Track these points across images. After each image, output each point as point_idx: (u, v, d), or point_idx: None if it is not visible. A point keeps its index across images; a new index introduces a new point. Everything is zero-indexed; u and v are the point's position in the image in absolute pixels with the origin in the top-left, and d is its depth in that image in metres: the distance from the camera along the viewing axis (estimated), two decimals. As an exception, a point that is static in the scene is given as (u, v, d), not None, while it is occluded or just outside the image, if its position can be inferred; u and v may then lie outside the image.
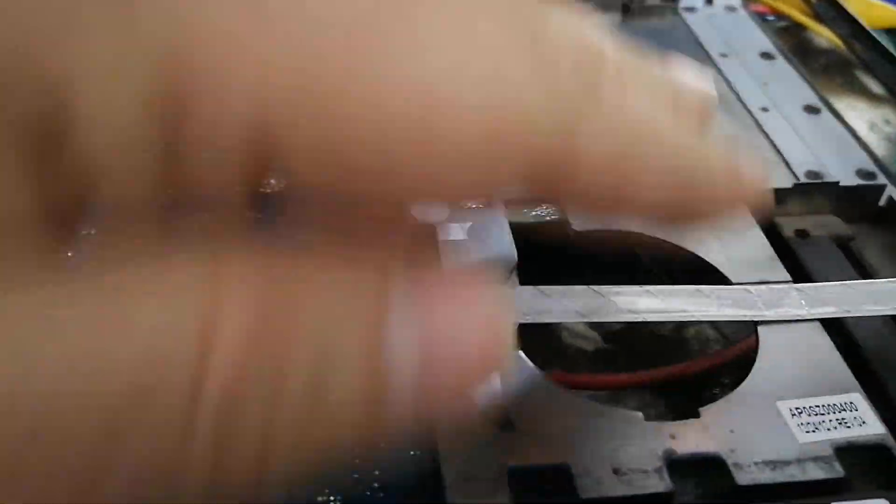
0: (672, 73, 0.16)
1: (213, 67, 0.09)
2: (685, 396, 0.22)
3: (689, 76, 0.17)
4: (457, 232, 0.25)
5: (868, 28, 0.37)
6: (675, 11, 0.40)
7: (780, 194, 0.27)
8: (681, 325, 0.25)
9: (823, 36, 0.41)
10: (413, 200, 0.11)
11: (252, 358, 0.09)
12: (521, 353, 0.21)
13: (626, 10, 0.39)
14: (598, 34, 0.13)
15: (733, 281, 0.23)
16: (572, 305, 0.21)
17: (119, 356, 0.09)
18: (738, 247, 0.24)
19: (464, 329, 0.11)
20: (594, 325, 0.26)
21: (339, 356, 0.10)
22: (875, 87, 0.38)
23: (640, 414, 0.19)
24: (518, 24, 0.11)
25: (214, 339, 0.09)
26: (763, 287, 0.22)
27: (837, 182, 0.27)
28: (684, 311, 0.21)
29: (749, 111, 0.32)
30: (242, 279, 0.10)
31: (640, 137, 0.12)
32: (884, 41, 0.39)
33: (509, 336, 0.11)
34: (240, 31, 0.09)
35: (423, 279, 0.11)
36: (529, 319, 0.21)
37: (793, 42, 0.42)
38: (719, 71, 0.35)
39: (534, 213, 0.26)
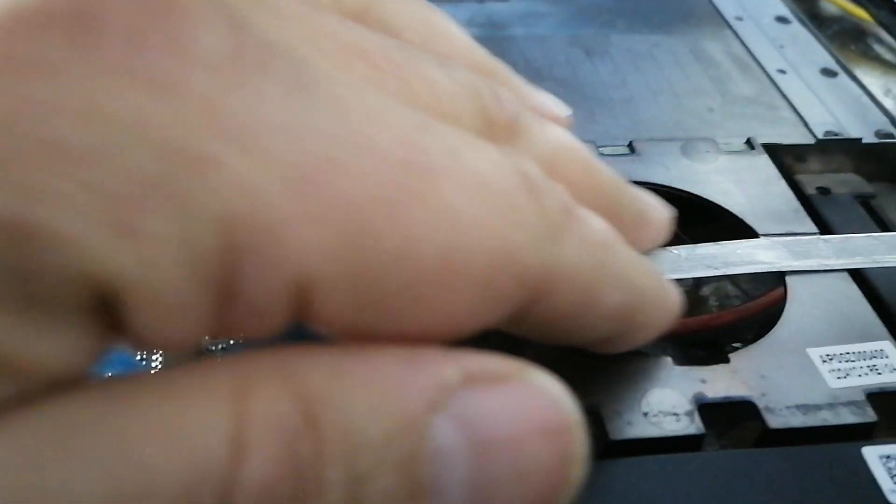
0: (636, 194, 0.18)
1: (262, 238, 0.09)
2: (716, 349, 0.22)
3: (651, 199, 0.19)
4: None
5: (884, -7, 0.36)
6: (689, -25, 0.39)
7: (802, 151, 0.27)
8: (699, 282, 0.25)
9: (836, 3, 0.41)
10: (426, 340, 0.11)
11: (281, 481, 0.09)
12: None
13: (640, -27, 0.39)
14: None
15: (760, 233, 0.23)
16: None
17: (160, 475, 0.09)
18: (762, 199, 0.24)
19: (525, 435, 0.10)
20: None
21: (376, 468, 0.09)
22: (888, 55, 0.38)
23: (669, 359, 0.19)
24: (511, 165, 0.12)
25: (243, 458, 0.09)
26: (790, 238, 0.22)
27: (860, 139, 0.27)
28: (712, 260, 0.21)
29: (766, 73, 0.32)
30: (272, 394, 0.10)
31: (604, 255, 0.13)
32: (897, 9, 0.39)
33: (581, 444, 0.11)
34: (282, 203, 0.09)
35: (474, 374, 0.10)
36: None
37: (805, 10, 0.41)
38: (735, 34, 0.35)
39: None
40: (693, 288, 0.25)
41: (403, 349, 0.10)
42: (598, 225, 0.14)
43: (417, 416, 0.10)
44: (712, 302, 0.25)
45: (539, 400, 0.11)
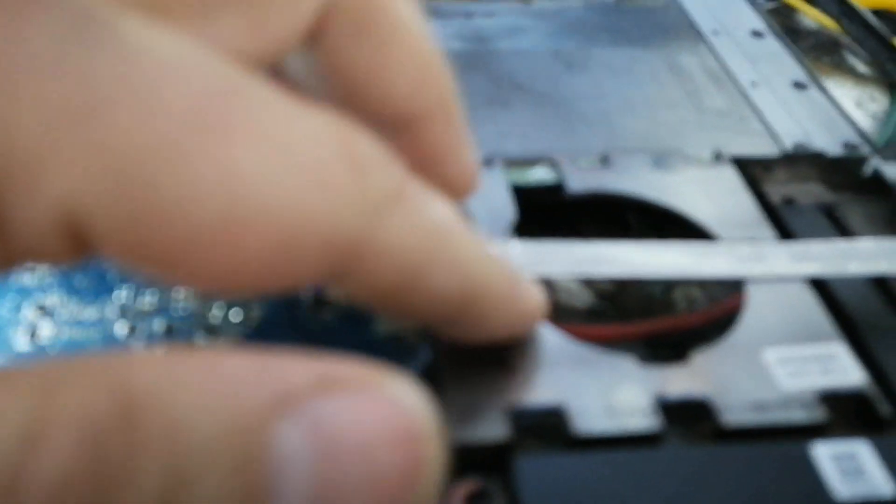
0: (508, 277, 0.17)
1: (18, 171, 0.10)
2: (675, 351, 0.23)
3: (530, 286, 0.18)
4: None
5: (857, 5, 0.38)
6: (669, -9, 0.40)
7: (768, 162, 0.28)
8: (669, 286, 0.26)
9: (812, 17, 0.42)
10: (216, 289, 0.12)
11: (80, 475, 0.09)
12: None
13: (621, -11, 0.40)
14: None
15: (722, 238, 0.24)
16: (568, 259, 0.22)
17: None
18: (726, 208, 0.25)
19: (373, 443, 0.10)
20: (586, 284, 0.26)
21: (205, 469, 0.09)
22: (861, 67, 0.39)
23: (632, 357, 0.20)
24: (333, 135, 0.12)
25: (36, 451, 0.09)
26: (750, 245, 0.23)
27: (824, 152, 0.28)
28: (676, 265, 0.22)
29: (739, 86, 0.33)
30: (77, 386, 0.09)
31: (436, 242, 0.14)
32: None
33: (434, 454, 0.10)
34: (41, 140, 0.10)
35: (327, 380, 0.10)
36: (526, 273, 0.22)
37: (782, 23, 0.43)
38: (711, 48, 0.36)
39: (531, 174, 0.26)
40: (663, 291, 0.26)
41: (255, 354, 0.10)
42: (436, 212, 0.14)
43: (258, 419, 0.10)
44: (681, 305, 0.26)
45: (391, 408, 0.10)
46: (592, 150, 0.28)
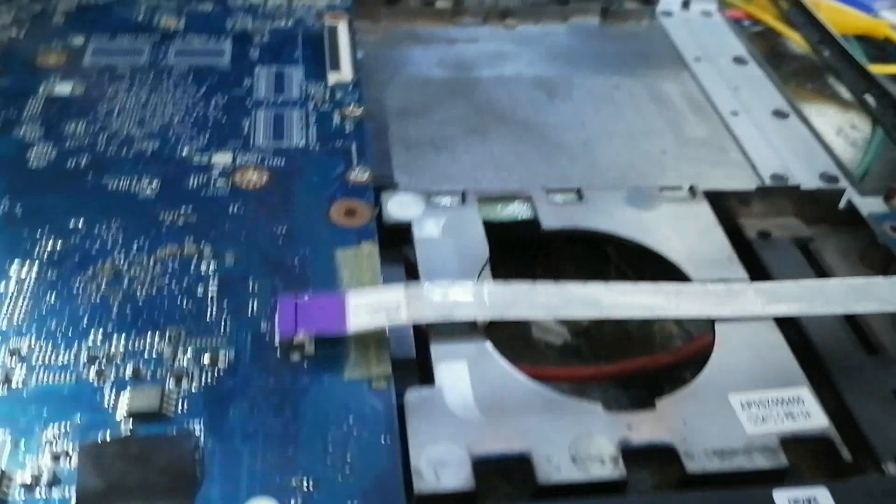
0: None
1: None
2: (646, 390, 0.23)
3: None
4: (431, 229, 0.26)
5: (836, 35, 0.38)
6: (653, 15, 0.40)
7: (744, 196, 0.28)
8: (644, 322, 0.26)
9: (796, 41, 0.42)
10: None
11: None
12: (490, 346, 0.22)
13: (605, 14, 0.40)
14: None
15: (693, 278, 0.24)
16: (539, 301, 0.22)
17: None
18: (699, 246, 0.25)
19: None
20: (563, 321, 0.27)
21: None
22: (845, 92, 0.39)
23: (599, 405, 0.20)
24: None
25: None
26: (721, 285, 0.23)
27: (798, 186, 0.28)
28: (645, 307, 0.22)
29: (719, 115, 0.33)
30: None
31: None
32: (856, 47, 0.40)
33: None
34: None
35: None
36: (497, 315, 0.22)
37: (767, 47, 0.43)
38: (693, 75, 0.36)
39: (505, 211, 0.27)
40: (639, 327, 0.26)
41: None
42: None
43: None
44: (657, 341, 0.26)
45: None
46: (571, 181, 0.28)
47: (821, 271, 0.26)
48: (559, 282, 0.22)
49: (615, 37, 0.39)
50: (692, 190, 0.27)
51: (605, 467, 0.19)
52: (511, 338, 0.25)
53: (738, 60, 0.37)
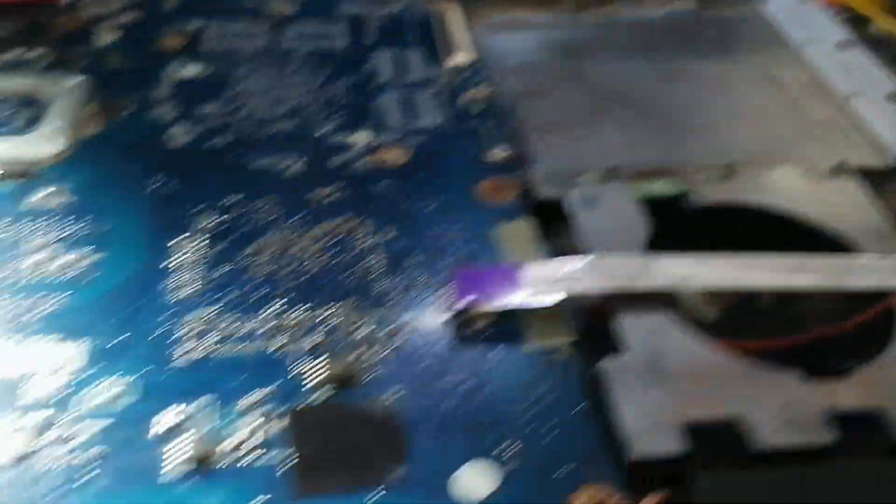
0: None
1: None
2: (833, 365, 0.22)
3: None
4: (585, 205, 0.25)
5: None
6: (748, 1, 0.40)
7: (889, 174, 0.28)
8: (790, 297, 0.26)
9: (882, 29, 0.42)
10: None
11: None
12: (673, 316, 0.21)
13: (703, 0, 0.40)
14: None
15: (860, 251, 0.24)
16: (716, 272, 0.22)
17: None
18: (854, 219, 0.25)
19: None
20: (710, 299, 0.26)
21: None
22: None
23: (802, 372, 0.20)
24: None
25: None
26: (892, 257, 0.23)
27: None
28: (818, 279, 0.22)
29: (836, 98, 0.33)
30: None
31: None
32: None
33: None
34: None
35: None
36: (675, 285, 0.22)
37: (860, 35, 0.43)
38: (802, 59, 0.36)
39: (657, 186, 0.27)
40: (784, 303, 0.26)
41: None
42: None
43: None
44: (806, 317, 0.26)
45: None
46: (706, 160, 0.28)
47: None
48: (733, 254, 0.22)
49: (716, 22, 0.39)
50: (841, 166, 0.27)
51: (819, 433, 0.18)
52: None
53: (843, 44, 0.37)
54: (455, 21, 0.35)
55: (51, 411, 0.19)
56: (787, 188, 0.26)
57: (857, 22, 0.44)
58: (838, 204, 0.26)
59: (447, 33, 0.34)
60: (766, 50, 0.37)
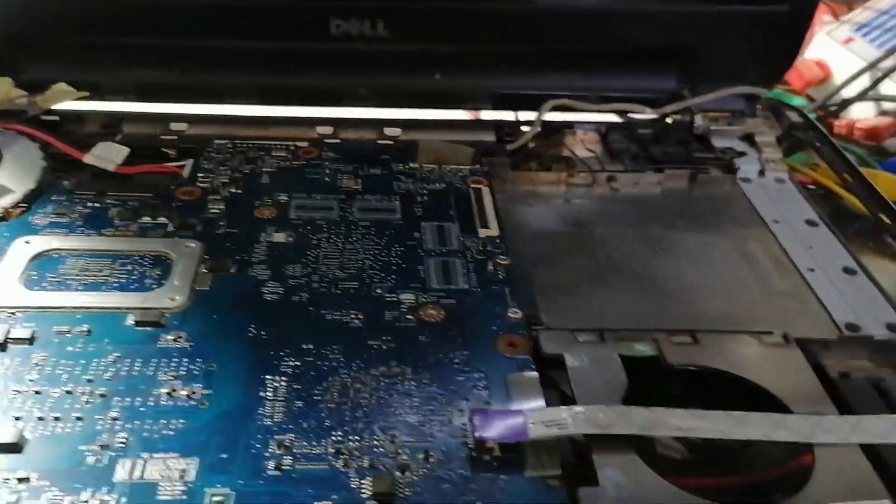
0: None
1: None
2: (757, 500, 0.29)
3: None
4: (579, 361, 0.33)
5: (892, 204, 0.45)
6: (734, 181, 0.49)
7: (827, 343, 0.35)
8: (748, 443, 0.33)
9: (855, 206, 0.50)
10: None
11: None
12: (637, 458, 0.28)
13: (693, 179, 0.48)
14: None
15: (793, 410, 0.30)
16: (675, 423, 0.29)
17: None
18: (795, 383, 0.32)
19: None
20: (678, 439, 0.33)
21: None
22: (902, 250, 0.46)
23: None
24: None
25: None
26: (816, 416, 0.30)
27: (872, 336, 0.35)
28: (757, 431, 0.29)
29: (798, 271, 0.40)
30: None
31: None
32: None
33: None
34: None
35: None
36: (644, 432, 0.28)
37: (830, 208, 0.50)
38: (773, 235, 0.43)
39: (637, 348, 0.34)
40: (743, 446, 0.33)
41: None
42: None
43: None
44: (756, 458, 0.32)
45: None
46: (679, 324, 0.35)
47: (892, 407, 0.32)
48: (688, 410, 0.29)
49: (704, 199, 0.47)
50: (785, 337, 0.34)
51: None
52: (644, 452, 0.31)
53: (810, 223, 0.45)
54: (486, 198, 0.44)
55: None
56: (741, 354, 0.33)
57: (827, 198, 0.51)
58: (782, 370, 0.33)
59: (480, 209, 0.43)
60: (744, 226, 0.45)
